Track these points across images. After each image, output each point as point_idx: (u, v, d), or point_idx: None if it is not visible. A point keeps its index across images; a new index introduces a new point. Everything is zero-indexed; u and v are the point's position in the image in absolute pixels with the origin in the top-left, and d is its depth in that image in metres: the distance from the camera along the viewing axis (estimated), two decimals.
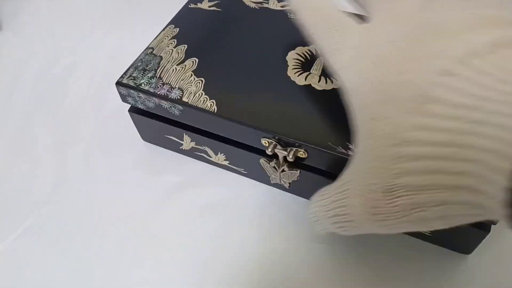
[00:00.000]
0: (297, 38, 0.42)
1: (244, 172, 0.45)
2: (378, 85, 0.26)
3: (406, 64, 0.25)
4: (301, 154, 0.37)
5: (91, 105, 0.55)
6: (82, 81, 0.58)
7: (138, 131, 0.49)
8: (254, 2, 0.48)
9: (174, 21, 0.47)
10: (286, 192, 0.45)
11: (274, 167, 0.40)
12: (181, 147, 0.47)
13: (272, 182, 0.43)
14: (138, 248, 0.43)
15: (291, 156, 0.37)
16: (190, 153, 0.47)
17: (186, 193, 0.46)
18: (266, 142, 0.38)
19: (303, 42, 0.42)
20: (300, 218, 0.43)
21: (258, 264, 0.41)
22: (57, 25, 0.66)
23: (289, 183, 0.42)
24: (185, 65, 0.42)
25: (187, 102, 0.39)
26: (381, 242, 0.41)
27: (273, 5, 0.47)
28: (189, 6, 0.48)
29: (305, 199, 0.44)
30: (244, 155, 0.42)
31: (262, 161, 0.40)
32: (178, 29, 0.45)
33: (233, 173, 0.47)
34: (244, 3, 0.47)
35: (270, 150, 0.38)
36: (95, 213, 0.46)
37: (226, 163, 0.45)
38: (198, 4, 0.48)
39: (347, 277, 0.40)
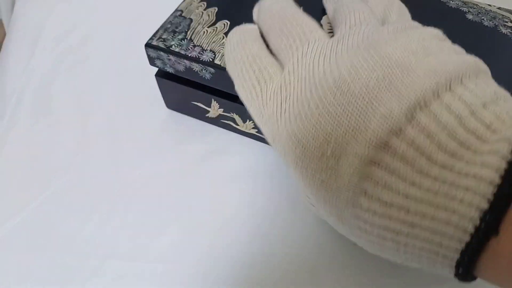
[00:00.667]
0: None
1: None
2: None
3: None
4: None
5: (113, 69, 0.53)
6: (103, 45, 0.56)
7: (163, 98, 0.47)
8: None
9: None
10: None
11: None
12: (207, 115, 0.46)
13: None
14: (162, 215, 0.42)
15: None
16: (216, 121, 0.46)
17: (213, 161, 0.45)
18: None
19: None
20: None
21: (285, 234, 0.40)
22: None
23: None
24: (217, 27, 0.41)
25: (219, 65, 0.38)
26: None
27: None
28: None
29: None
30: None
31: None
32: None
33: (260, 143, 0.46)
34: None
35: None
36: (118, 180, 0.44)
37: (254, 131, 0.44)
38: None
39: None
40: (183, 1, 0.44)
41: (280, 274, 0.38)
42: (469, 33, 0.39)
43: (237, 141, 0.46)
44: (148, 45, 0.41)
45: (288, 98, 0.27)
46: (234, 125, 0.45)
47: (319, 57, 0.27)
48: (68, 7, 0.62)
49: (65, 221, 0.42)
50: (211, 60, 0.39)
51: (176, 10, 0.43)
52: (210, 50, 0.39)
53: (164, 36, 0.41)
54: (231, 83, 0.39)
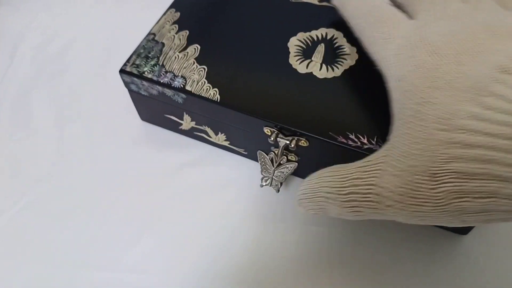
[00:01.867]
0: (298, 22, 0.44)
1: (245, 152, 0.47)
2: (432, 72, 0.26)
3: (463, 56, 0.26)
4: (303, 143, 0.38)
5: (90, 81, 0.55)
6: (81, 57, 0.58)
7: (137, 110, 0.49)
8: None
9: (175, 4, 0.47)
10: None
11: (272, 160, 0.41)
12: (180, 127, 0.48)
13: (262, 187, 0.44)
14: (137, 226, 0.44)
15: (293, 145, 0.38)
16: (190, 133, 0.48)
17: (186, 172, 0.47)
18: (269, 131, 0.39)
19: (304, 27, 0.43)
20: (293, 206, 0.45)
21: (255, 243, 0.43)
22: (56, 1, 0.65)
23: (280, 183, 0.43)
24: (188, 52, 0.42)
25: (190, 91, 0.40)
26: (376, 224, 0.43)
27: None
28: None
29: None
30: (245, 136, 0.43)
31: (259, 153, 0.41)
32: (179, 13, 0.45)
33: (232, 154, 0.48)
34: None
35: (272, 139, 0.39)
36: (93, 190, 0.47)
37: (226, 143, 0.46)
38: None
39: (343, 258, 0.42)
40: (156, 23, 0.45)
41: (252, 283, 0.41)
42: None
43: (211, 153, 0.48)
44: (122, 71, 0.42)
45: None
46: (206, 137, 0.47)
47: None
48: (49, 16, 0.63)
49: (41, 230, 0.45)
50: (182, 86, 0.40)
51: (149, 34, 0.44)
52: (181, 76, 0.41)
53: (137, 62, 0.42)
54: (203, 107, 0.41)
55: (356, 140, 0.36)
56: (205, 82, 0.40)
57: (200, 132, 0.47)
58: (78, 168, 0.48)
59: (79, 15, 0.63)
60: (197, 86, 0.40)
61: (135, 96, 0.46)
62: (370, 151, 0.36)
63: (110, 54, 0.55)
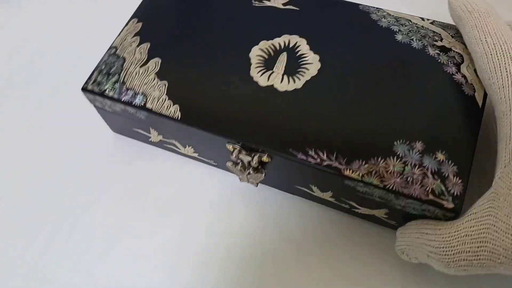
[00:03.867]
0: (261, 30, 0.42)
1: (214, 163, 0.46)
2: None
3: None
4: (265, 159, 0.38)
5: (61, 92, 0.54)
6: (52, 66, 0.57)
7: (107, 123, 0.49)
8: None
9: (137, 14, 0.45)
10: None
11: (241, 170, 0.41)
12: (150, 139, 0.47)
13: (241, 181, 0.44)
14: (106, 240, 0.45)
15: (255, 162, 0.38)
16: (160, 144, 0.48)
17: (156, 184, 0.47)
18: (231, 147, 0.39)
19: (267, 35, 0.42)
20: (266, 212, 0.45)
21: (224, 256, 0.43)
22: (26, 4, 0.64)
23: (257, 183, 0.43)
24: (148, 67, 0.41)
25: (151, 109, 0.40)
26: (341, 238, 0.43)
27: None
28: None
29: (275, 190, 0.46)
30: (212, 150, 0.43)
31: (229, 164, 0.41)
32: (141, 24, 0.44)
33: (203, 165, 0.48)
34: None
35: (234, 155, 0.38)
36: (63, 203, 0.47)
37: (195, 155, 0.46)
38: None
39: (312, 275, 0.42)
40: (118, 35, 0.44)
41: None
42: (396, 56, 0.40)
43: (182, 163, 0.48)
44: (84, 89, 0.42)
45: None
46: (176, 149, 0.47)
47: None
48: (19, 22, 0.62)
49: (9, 245, 0.45)
50: (143, 104, 0.40)
51: (111, 47, 0.44)
52: (142, 93, 0.40)
53: (98, 79, 0.42)
54: (165, 124, 0.41)
55: (315, 156, 0.36)
56: (165, 98, 0.40)
57: (169, 145, 0.46)
58: (46, 181, 0.48)
59: (50, 21, 0.62)
60: (158, 103, 0.40)
61: (101, 111, 0.46)
62: (330, 167, 0.35)
63: (81, 61, 0.54)
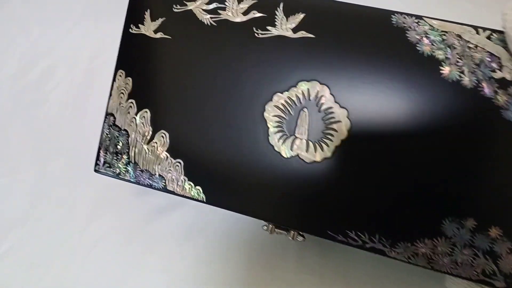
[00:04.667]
0: (271, 76, 0.35)
1: None
2: None
3: None
4: (300, 236, 0.36)
5: (71, 113, 0.51)
6: (61, 87, 0.53)
7: None
8: (207, 12, 0.36)
9: (122, 64, 0.38)
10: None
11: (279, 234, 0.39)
12: None
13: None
14: (115, 274, 0.45)
15: (291, 238, 0.36)
16: None
17: (170, 215, 0.46)
18: (265, 225, 0.37)
19: (280, 84, 0.35)
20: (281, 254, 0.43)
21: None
22: (34, 24, 0.56)
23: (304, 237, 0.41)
24: (156, 143, 0.37)
25: (173, 191, 0.37)
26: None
27: (233, 12, 0.35)
28: (131, 30, 0.37)
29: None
30: None
31: (264, 228, 0.39)
32: (130, 80, 0.37)
33: None
34: (196, 17, 0.36)
35: (270, 230, 0.37)
36: (75, 234, 0.47)
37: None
38: (140, 26, 0.37)
39: None
40: (109, 96, 0.38)
41: None
42: (442, 104, 0.32)
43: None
44: (97, 171, 0.39)
45: None
46: None
47: None
48: (27, 39, 0.55)
49: (21, 278, 0.47)
50: (163, 186, 0.37)
51: (108, 114, 0.38)
52: (159, 175, 0.37)
53: (108, 160, 0.38)
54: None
55: (356, 238, 0.34)
56: (185, 180, 0.36)
57: None
58: (58, 211, 0.48)
59: (58, 39, 0.54)
60: (178, 185, 0.37)
61: None
62: (374, 249, 0.33)
63: (91, 80, 0.49)
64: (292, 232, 0.36)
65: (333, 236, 0.34)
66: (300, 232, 0.36)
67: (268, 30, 0.35)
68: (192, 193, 0.36)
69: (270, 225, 0.37)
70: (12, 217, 0.49)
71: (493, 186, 0.32)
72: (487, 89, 0.32)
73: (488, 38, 0.32)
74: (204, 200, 0.36)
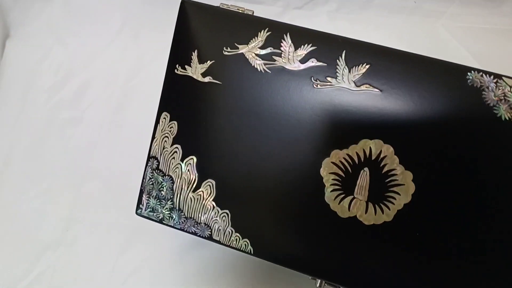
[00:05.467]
0: (329, 131, 0.32)
1: None
2: None
3: None
4: None
5: (107, 133, 0.49)
6: (97, 103, 0.50)
7: None
8: (261, 57, 0.33)
9: (166, 104, 0.35)
10: None
11: None
12: None
13: None
14: None
15: None
16: None
17: (205, 250, 0.45)
18: (314, 278, 0.35)
19: (339, 140, 0.32)
20: None
21: None
22: (71, 35, 0.53)
23: None
24: (202, 192, 0.35)
25: (219, 241, 0.35)
26: None
27: (289, 59, 0.32)
28: (176, 71, 0.35)
29: None
30: None
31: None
32: (175, 124, 0.35)
33: None
34: (248, 63, 0.33)
35: (318, 285, 0.35)
36: (108, 261, 0.46)
37: None
38: (187, 68, 0.34)
39: None
40: (153, 139, 0.36)
41: None
42: None
43: None
44: (139, 215, 0.37)
45: None
46: None
47: None
48: (63, 51, 0.53)
49: None
50: (208, 235, 0.35)
51: (151, 157, 0.36)
52: (205, 224, 0.35)
53: (151, 204, 0.36)
54: None
55: None
56: (232, 231, 0.35)
57: None
58: (91, 236, 0.47)
59: (96, 52, 0.52)
60: (225, 236, 0.35)
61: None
62: None
63: (127, 100, 0.47)
64: None
65: None
66: None
67: (328, 81, 0.32)
68: (240, 245, 0.35)
69: (320, 280, 0.35)
70: (46, 240, 0.48)
71: None
72: None
73: None
74: (252, 252, 0.35)
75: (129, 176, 0.47)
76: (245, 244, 0.35)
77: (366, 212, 0.32)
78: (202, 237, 0.36)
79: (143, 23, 0.51)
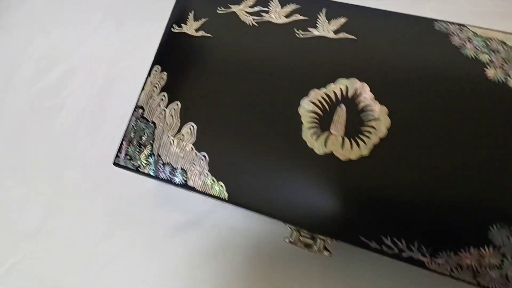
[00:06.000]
0: (310, 72, 0.34)
1: None
2: None
3: None
4: (329, 242, 0.33)
5: (90, 119, 0.49)
6: (79, 92, 0.52)
7: None
8: (250, 14, 0.37)
9: (159, 60, 0.38)
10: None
11: (302, 248, 0.36)
12: None
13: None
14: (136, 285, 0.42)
15: (316, 249, 0.33)
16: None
17: (188, 234, 0.43)
18: (290, 229, 0.34)
19: (318, 80, 0.34)
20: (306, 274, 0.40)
21: None
22: (54, 25, 0.57)
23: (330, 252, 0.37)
24: (183, 135, 0.35)
25: (194, 187, 0.35)
26: None
27: (276, 15, 0.36)
28: (172, 29, 0.38)
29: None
30: None
31: (286, 241, 0.36)
32: (165, 74, 0.37)
33: (237, 212, 0.43)
34: (238, 19, 0.37)
35: (293, 238, 0.33)
36: (89, 248, 0.44)
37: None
38: (183, 26, 0.38)
39: None
40: (142, 89, 0.38)
41: None
42: (488, 105, 0.31)
43: (215, 211, 0.43)
44: (116, 164, 0.37)
45: None
46: None
47: None
48: (46, 41, 0.56)
49: None
50: (183, 182, 0.35)
51: (137, 107, 0.37)
52: (181, 169, 0.35)
53: (130, 152, 0.37)
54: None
55: (392, 246, 0.30)
56: (208, 175, 0.34)
57: None
58: (70, 224, 0.45)
59: (79, 41, 0.55)
60: (200, 181, 0.34)
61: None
62: (412, 260, 0.30)
63: (110, 87, 0.49)
64: (319, 242, 0.33)
65: (366, 243, 0.31)
66: (328, 241, 0.33)
67: (309, 31, 0.35)
68: (214, 190, 0.34)
69: (295, 233, 0.33)
70: (26, 228, 0.46)
71: None
72: None
73: None
74: (227, 198, 0.34)
75: (110, 163, 0.46)
76: (219, 188, 0.34)
77: (342, 147, 0.32)
78: (176, 184, 0.35)
79: (126, 11, 0.54)
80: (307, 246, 0.35)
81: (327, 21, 0.35)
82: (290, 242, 0.35)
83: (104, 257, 0.43)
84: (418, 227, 0.30)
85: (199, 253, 0.42)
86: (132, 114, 0.38)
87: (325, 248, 0.34)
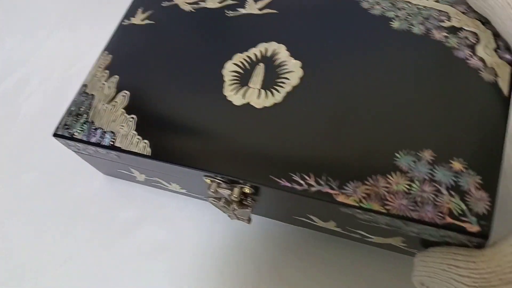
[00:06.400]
0: (235, 42, 0.37)
1: (205, 198, 0.41)
2: None
3: None
4: (247, 190, 0.32)
5: (45, 126, 0.48)
6: (35, 97, 0.54)
7: (94, 166, 0.45)
8: (190, 4, 0.41)
9: (109, 46, 0.42)
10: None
11: (224, 206, 0.35)
12: (136, 179, 0.43)
13: (231, 219, 0.38)
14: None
15: (236, 195, 0.32)
16: (147, 183, 0.43)
17: (145, 227, 0.43)
18: (208, 180, 0.33)
19: (241, 47, 0.36)
20: (261, 251, 0.40)
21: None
22: (8, 34, 0.60)
23: (248, 218, 0.36)
24: (116, 102, 0.37)
25: (120, 148, 0.35)
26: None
27: (211, 2, 0.40)
28: (123, 23, 0.43)
29: (273, 222, 0.40)
30: (195, 185, 0.38)
31: (211, 200, 0.35)
32: (111, 56, 0.41)
33: (194, 203, 0.43)
34: (178, 7, 0.41)
35: (212, 190, 0.33)
36: (45, 250, 0.43)
37: (183, 191, 0.41)
38: (132, 19, 0.43)
39: None
40: (89, 72, 0.41)
41: None
42: (393, 49, 0.32)
43: (173, 200, 0.44)
44: (56, 135, 0.38)
45: None
46: (164, 186, 0.42)
47: None
48: (1, 49, 0.59)
49: None
50: (111, 143, 0.36)
51: (82, 85, 0.40)
52: (111, 131, 0.36)
53: (68, 122, 0.38)
54: (138, 161, 0.36)
55: (301, 181, 0.29)
56: (134, 134, 0.35)
57: (155, 182, 0.42)
58: (24, 228, 0.45)
59: (33, 49, 0.58)
60: (127, 140, 0.35)
61: (81, 155, 0.42)
62: (320, 194, 0.29)
63: (65, 90, 0.50)
64: (235, 189, 0.32)
65: (276, 181, 0.30)
66: (246, 189, 0.32)
67: (238, 11, 0.39)
68: (138, 148, 0.34)
69: (213, 184, 0.33)
70: None
71: (449, 118, 0.29)
72: (437, 34, 0.32)
73: (437, 1, 0.34)
74: (150, 154, 0.34)
75: (65, 166, 0.47)
76: (144, 146, 0.34)
77: (258, 97, 0.33)
78: (104, 146, 0.36)
79: (80, 16, 0.57)
80: (227, 203, 0.34)
81: (254, 2, 0.39)
82: (211, 197, 0.34)
83: (60, 259, 0.43)
84: (325, 161, 0.29)
85: (155, 246, 0.42)
86: (78, 91, 0.40)
87: (242, 202, 0.33)
